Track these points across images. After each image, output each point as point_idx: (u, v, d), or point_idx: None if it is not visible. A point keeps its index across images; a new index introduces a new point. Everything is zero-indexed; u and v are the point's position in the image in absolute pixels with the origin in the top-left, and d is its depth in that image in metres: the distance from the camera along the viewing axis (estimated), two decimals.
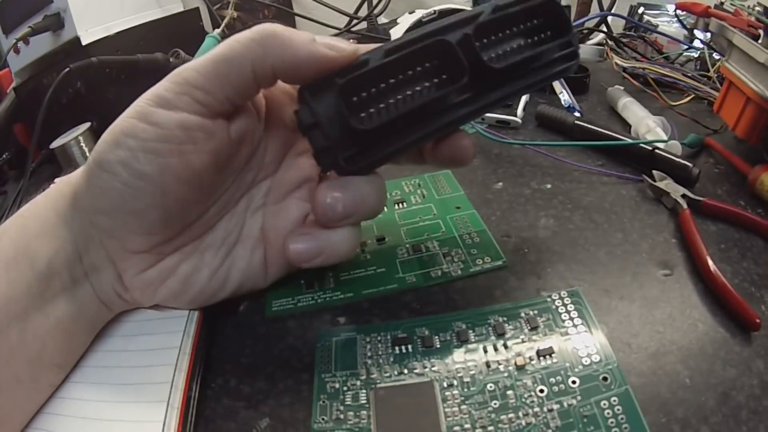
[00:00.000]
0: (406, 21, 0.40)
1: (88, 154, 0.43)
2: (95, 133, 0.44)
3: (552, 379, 0.20)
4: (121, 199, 0.18)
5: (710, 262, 0.24)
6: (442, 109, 0.20)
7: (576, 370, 0.20)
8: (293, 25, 0.56)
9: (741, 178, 0.31)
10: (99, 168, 0.18)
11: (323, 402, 0.19)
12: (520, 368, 0.20)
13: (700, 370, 0.20)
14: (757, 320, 0.22)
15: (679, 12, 0.36)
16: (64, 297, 0.19)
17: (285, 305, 0.24)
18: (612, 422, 0.18)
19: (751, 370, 0.21)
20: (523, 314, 0.22)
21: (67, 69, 0.42)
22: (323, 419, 0.19)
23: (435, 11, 0.39)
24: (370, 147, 0.20)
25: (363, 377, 0.20)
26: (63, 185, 0.20)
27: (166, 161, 0.18)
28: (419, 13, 0.40)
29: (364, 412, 0.19)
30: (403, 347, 0.21)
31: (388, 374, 0.20)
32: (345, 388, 0.20)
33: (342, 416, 0.19)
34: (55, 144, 0.43)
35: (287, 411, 0.19)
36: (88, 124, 0.44)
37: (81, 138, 0.44)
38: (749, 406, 0.19)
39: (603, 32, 0.46)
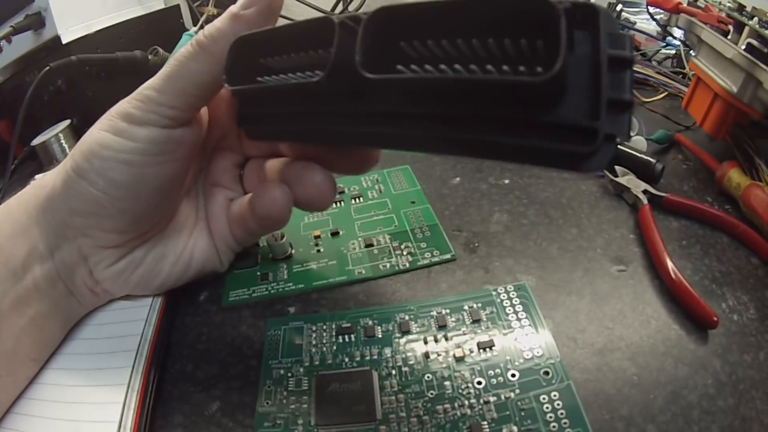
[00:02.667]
0: None
1: (68, 150, 0.43)
2: (75, 130, 0.44)
3: (491, 372, 0.19)
4: (97, 203, 0.19)
5: (667, 258, 0.23)
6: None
7: (516, 363, 0.19)
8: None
9: (709, 174, 0.30)
10: (77, 175, 0.19)
11: (269, 387, 0.20)
12: (458, 360, 0.20)
13: (649, 367, 0.20)
14: (715, 318, 0.21)
15: (651, 8, 0.36)
16: (37, 295, 0.20)
17: (241, 296, 0.24)
18: (551, 416, 0.18)
19: (706, 369, 0.20)
20: (466, 307, 0.22)
21: (47, 67, 0.43)
22: (267, 403, 0.19)
23: None
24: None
25: (306, 364, 0.20)
26: (35, 189, 0.20)
27: (141, 171, 0.19)
28: None
29: (306, 397, 0.19)
30: (346, 336, 0.21)
31: (330, 362, 0.20)
32: (289, 375, 0.20)
33: (285, 401, 0.19)
34: (36, 141, 0.44)
35: (236, 395, 0.20)
36: (68, 122, 0.45)
37: (61, 135, 0.44)
38: (702, 406, 0.19)
39: None
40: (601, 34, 0.11)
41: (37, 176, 0.40)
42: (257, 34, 0.18)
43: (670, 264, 0.23)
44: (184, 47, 0.19)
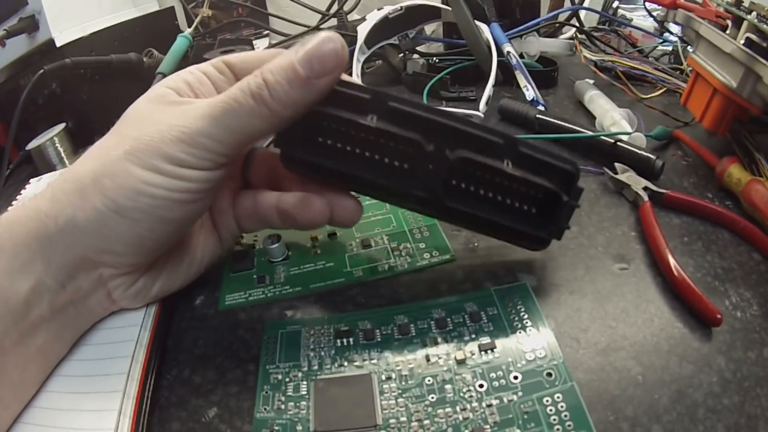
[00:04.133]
0: (373, 17, 0.39)
1: (63, 154, 0.43)
2: (71, 133, 0.44)
3: (492, 374, 0.19)
4: (137, 241, 0.19)
5: (669, 255, 0.23)
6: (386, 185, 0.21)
7: (518, 365, 0.19)
8: (266, 23, 0.56)
9: (709, 170, 0.30)
10: (116, 214, 0.18)
11: (266, 392, 0.19)
12: (459, 362, 0.20)
13: (653, 366, 0.20)
14: (718, 315, 0.21)
15: (648, 5, 0.36)
16: (44, 325, 0.19)
17: (237, 299, 0.24)
18: (555, 419, 0.17)
19: (710, 366, 0.20)
20: (467, 308, 0.22)
21: (41, 71, 0.42)
22: (265, 409, 0.19)
23: (402, 7, 0.39)
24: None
25: (305, 369, 0.20)
26: (32, 220, 0.19)
27: (190, 207, 0.19)
28: (386, 10, 0.39)
29: (304, 402, 0.19)
30: (345, 340, 0.21)
31: (328, 366, 0.20)
32: (287, 379, 0.20)
33: (283, 406, 0.19)
34: (31, 145, 0.43)
35: (234, 400, 0.19)
36: (63, 125, 0.44)
37: (56, 139, 0.44)
38: (707, 404, 0.18)
39: (574, 26, 0.45)
40: (571, 198, 0.21)
41: (31, 180, 0.40)
42: (343, 116, 0.19)
43: (672, 261, 0.23)
44: (241, 95, 0.18)
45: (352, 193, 0.23)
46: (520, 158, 0.20)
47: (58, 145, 0.43)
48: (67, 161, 0.42)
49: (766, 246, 0.25)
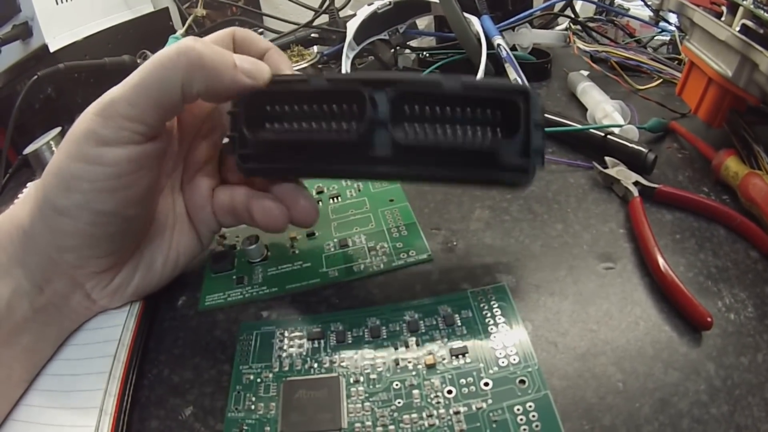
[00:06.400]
0: (362, 13, 0.38)
1: None
2: None
3: (462, 380, 0.18)
4: (85, 235, 0.19)
5: (657, 254, 0.22)
6: (339, 155, 0.20)
7: (490, 371, 0.18)
8: (261, 22, 0.55)
9: (706, 163, 0.28)
10: (56, 213, 0.18)
11: (238, 392, 0.19)
12: (429, 367, 0.19)
13: (636, 373, 0.19)
14: (709, 319, 0.20)
15: None
16: (28, 326, 0.20)
17: (217, 300, 0.24)
18: (525, 429, 0.17)
19: (698, 373, 0.18)
20: (440, 311, 0.21)
21: (35, 76, 0.43)
22: (237, 408, 0.19)
23: (390, 2, 0.38)
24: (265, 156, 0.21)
25: (276, 370, 0.20)
26: (9, 225, 0.20)
27: (123, 194, 0.19)
28: (375, 5, 0.38)
29: (273, 403, 0.19)
30: (316, 342, 0.21)
31: (299, 368, 0.20)
32: (258, 380, 0.20)
33: (253, 406, 0.19)
34: (28, 150, 0.44)
35: (208, 400, 0.20)
36: (58, 129, 0.45)
37: (52, 143, 0.44)
38: (693, 414, 0.17)
39: (568, 17, 0.44)
40: (531, 114, 0.19)
41: (28, 184, 0.40)
42: (279, 88, 0.20)
43: (661, 260, 0.22)
44: (171, 59, 0.18)
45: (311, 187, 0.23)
46: (465, 89, 0.19)
47: (54, 149, 0.44)
48: None
49: (764, 243, 0.23)
